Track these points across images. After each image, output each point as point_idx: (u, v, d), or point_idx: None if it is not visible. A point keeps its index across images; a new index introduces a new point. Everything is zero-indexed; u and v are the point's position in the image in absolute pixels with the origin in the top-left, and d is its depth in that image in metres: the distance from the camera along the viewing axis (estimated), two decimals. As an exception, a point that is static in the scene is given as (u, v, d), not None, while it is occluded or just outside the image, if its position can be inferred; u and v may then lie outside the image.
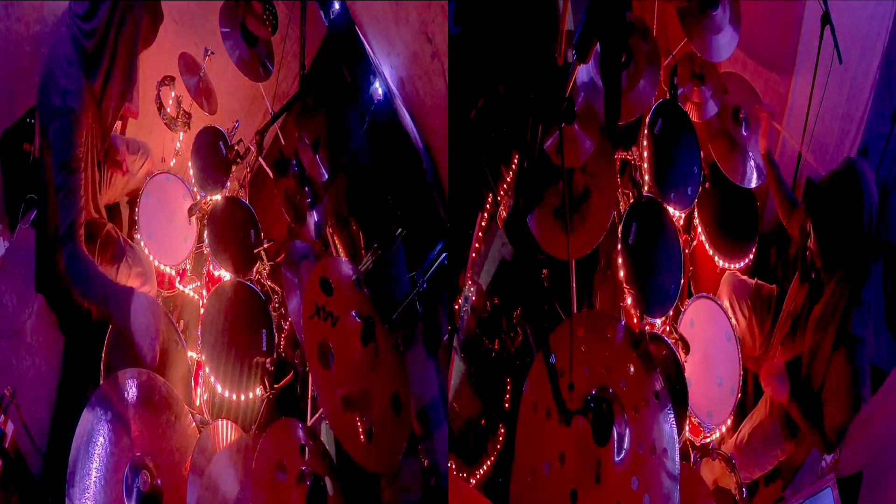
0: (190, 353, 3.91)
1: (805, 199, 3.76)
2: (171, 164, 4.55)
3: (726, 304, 3.82)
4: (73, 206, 3.46)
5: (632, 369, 2.57)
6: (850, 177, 3.40)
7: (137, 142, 4.42)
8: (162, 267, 4.19)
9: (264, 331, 3.83)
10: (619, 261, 3.39)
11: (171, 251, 4.24)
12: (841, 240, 3.42)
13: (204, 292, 4.15)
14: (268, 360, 3.60)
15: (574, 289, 3.04)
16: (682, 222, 3.83)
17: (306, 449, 3.00)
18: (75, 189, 3.48)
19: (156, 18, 3.75)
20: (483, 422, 3.29)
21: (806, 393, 3.47)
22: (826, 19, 3.72)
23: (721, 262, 4.06)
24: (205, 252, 4.13)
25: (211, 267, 4.15)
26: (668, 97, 3.84)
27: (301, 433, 3.05)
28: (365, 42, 4.05)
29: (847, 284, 3.39)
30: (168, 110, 4.46)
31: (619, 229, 3.47)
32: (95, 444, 3.09)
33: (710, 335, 3.67)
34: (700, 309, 3.72)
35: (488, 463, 3.23)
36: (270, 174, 4.23)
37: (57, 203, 3.45)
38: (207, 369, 3.66)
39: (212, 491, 3.02)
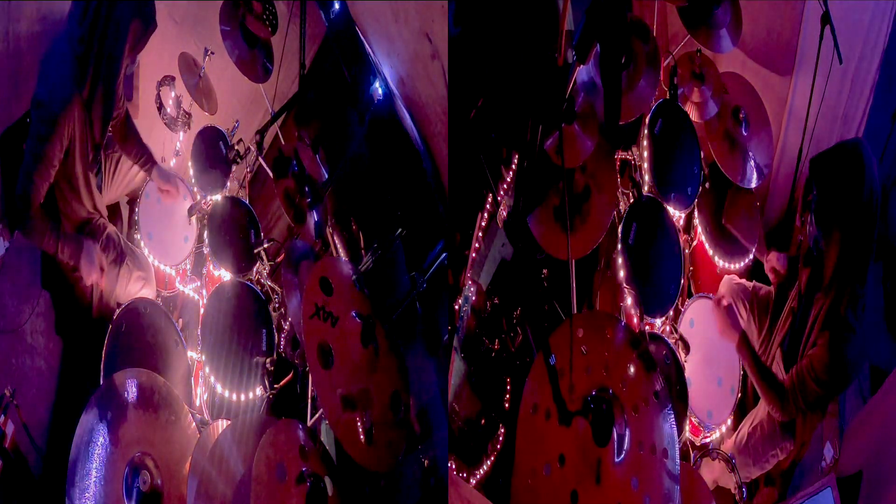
0: (190, 353, 3.92)
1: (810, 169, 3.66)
2: (171, 164, 4.55)
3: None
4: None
5: (632, 369, 2.57)
6: (854, 148, 3.43)
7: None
8: (162, 267, 4.19)
9: (264, 331, 3.83)
10: (619, 261, 3.39)
11: (171, 251, 4.24)
12: (841, 204, 3.41)
13: (204, 292, 4.15)
14: (268, 360, 3.60)
15: (574, 289, 3.04)
16: (682, 222, 3.83)
17: (306, 450, 3.00)
18: (40, 172, 3.51)
19: (147, 24, 3.72)
20: (483, 422, 3.29)
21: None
22: (826, 19, 3.72)
23: (721, 263, 4.06)
24: (205, 252, 4.13)
25: (211, 267, 4.15)
26: (668, 97, 3.84)
27: (301, 434, 3.05)
28: (365, 42, 4.05)
29: (847, 257, 3.39)
30: (168, 110, 4.46)
31: (619, 229, 3.47)
32: (95, 444, 3.08)
33: (710, 335, 3.67)
34: (700, 309, 3.72)
35: (488, 463, 3.23)
36: (270, 174, 4.23)
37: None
38: (207, 369, 3.66)
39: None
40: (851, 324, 3.34)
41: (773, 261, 3.87)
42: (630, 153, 3.79)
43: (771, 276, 3.88)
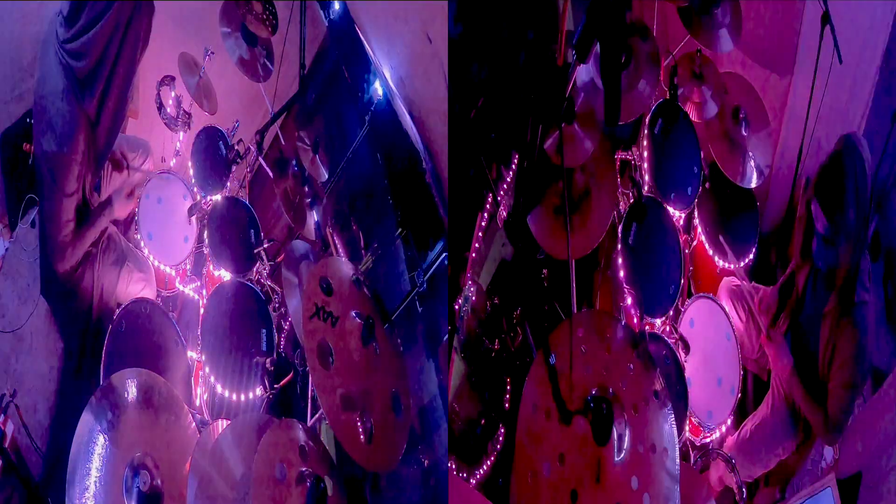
0: (190, 353, 3.92)
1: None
2: (171, 164, 4.55)
3: (726, 306, 3.82)
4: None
5: (632, 369, 2.57)
6: (848, 145, 3.51)
7: (137, 140, 4.42)
8: (162, 267, 4.19)
9: (264, 331, 3.83)
10: (619, 261, 3.39)
11: (171, 251, 4.25)
12: (842, 201, 3.45)
13: (204, 292, 4.16)
14: (268, 360, 3.60)
15: (574, 289, 3.03)
16: (682, 222, 3.83)
17: (306, 450, 3.00)
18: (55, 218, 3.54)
19: (149, 16, 3.73)
20: (483, 422, 3.29)
21: (810, 370, 3.51)
22: (826, 19, 3.72)
23: (721, 263, 4.05)
24: (205, 252, 4.13)
25: (211, 267, 4.15)
26: (668, 97, 3.84)
27: (301, 433, 3.05)
28: (365, 42, 4.05)
29: (850, 247, 3.41)
30: (168, 110, 4.46)
31: (619, 229, 3.47)
32: (95, 444, 3.09)
33: (710, 335, 3.67)
34: (700, 309, 3.72)
35: (488, 463, 3.22)
36: (270, 174, 4.23)
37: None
38: (207, 369, 3.66)
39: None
40: (863, 300, 3.41)
41: (766, 299, 3.85)
42: (630, 153, 3.78)
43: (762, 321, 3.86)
